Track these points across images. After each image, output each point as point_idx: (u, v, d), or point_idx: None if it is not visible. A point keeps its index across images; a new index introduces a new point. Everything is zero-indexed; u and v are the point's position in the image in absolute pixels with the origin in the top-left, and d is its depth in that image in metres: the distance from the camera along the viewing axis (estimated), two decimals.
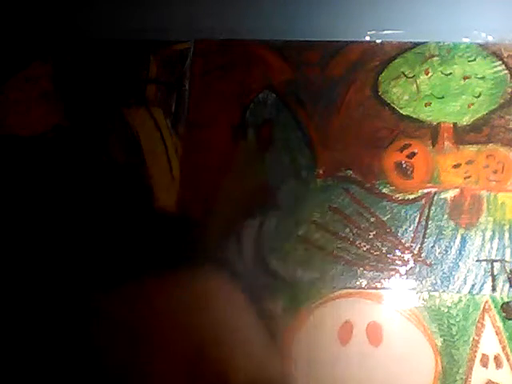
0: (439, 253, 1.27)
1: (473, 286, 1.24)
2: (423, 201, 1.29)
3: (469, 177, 1.30)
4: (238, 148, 1.35)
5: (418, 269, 1.26)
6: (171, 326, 1.14)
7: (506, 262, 1.25)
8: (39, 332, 1.06)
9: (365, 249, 1.28)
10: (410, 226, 1.29)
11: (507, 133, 1.31)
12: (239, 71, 1.38)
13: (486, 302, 1.23)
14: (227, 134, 1.35)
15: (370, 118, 1.34)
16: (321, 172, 1.32)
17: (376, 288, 1.26)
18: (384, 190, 1.30)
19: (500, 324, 1.22)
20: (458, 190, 1.30)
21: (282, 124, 1.35)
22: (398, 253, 1.28)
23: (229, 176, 1.34)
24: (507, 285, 1.24)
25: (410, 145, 1.32)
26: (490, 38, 1.34)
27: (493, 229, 1.27)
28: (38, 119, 1.39)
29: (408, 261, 1.27)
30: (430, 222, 1.28)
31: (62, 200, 1.34)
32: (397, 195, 1.30)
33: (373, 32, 1.36)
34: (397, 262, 1.27)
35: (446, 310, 1.23)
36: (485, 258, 1.26)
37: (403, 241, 1.28)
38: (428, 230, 1.28)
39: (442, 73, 1.35)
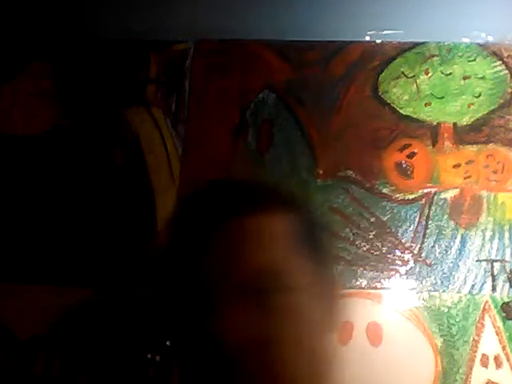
0: (439, 253, 1.27)
1: (473, 286, 1.24)
2: (423, 201, 1.29)
3: (469, 177, 1.30)
4: (237, 148, 1.35)
5: (417, 269, 1.26)
6: None
7: (506, 262, 1.25)
8: None
9: (365, 249, 1.28)
10: (410, 226, 1.28)
11: (507, 133, 1.31)
12: (239, 71, 1.38)
13: (486, 302, 1.23)
14: (227, 134, 1.35)
15: (370, 117, 1.34)
16: (321, 172, 1.32)
17: (376, 288, 1.26)
18: (384, 190, 1.30)
19: (500, 324, 1.22)
20: (457, 190, 1.29)
21: (282, 124, 1.35)
22: (397, 253, 1.28)
23: (229, 176, 1.34)
24: (507, 285, 1.24)
25: (410, 145, 1.32)
26: (490, 38, 1.34)
27: (493, 229, 1.27)
28: (38, 119, 1.40)
29: (408, 261, 1.27)
30: (429, 222, 1.28)
31: (62, 199, 1.34)
32: (397, 195, 1.30)
33: (373, 32, 1.36)
34: (397, 262, 1.27)
35: (446, 310, 1.23)
36: (485, 257, 1.26)
37: (403, 241, 1.28)
38: (428, 230, 1.28)
39: (442, 73, 1.35)
